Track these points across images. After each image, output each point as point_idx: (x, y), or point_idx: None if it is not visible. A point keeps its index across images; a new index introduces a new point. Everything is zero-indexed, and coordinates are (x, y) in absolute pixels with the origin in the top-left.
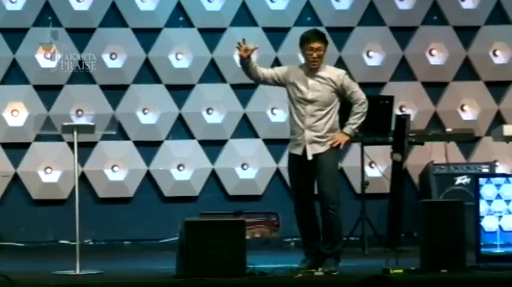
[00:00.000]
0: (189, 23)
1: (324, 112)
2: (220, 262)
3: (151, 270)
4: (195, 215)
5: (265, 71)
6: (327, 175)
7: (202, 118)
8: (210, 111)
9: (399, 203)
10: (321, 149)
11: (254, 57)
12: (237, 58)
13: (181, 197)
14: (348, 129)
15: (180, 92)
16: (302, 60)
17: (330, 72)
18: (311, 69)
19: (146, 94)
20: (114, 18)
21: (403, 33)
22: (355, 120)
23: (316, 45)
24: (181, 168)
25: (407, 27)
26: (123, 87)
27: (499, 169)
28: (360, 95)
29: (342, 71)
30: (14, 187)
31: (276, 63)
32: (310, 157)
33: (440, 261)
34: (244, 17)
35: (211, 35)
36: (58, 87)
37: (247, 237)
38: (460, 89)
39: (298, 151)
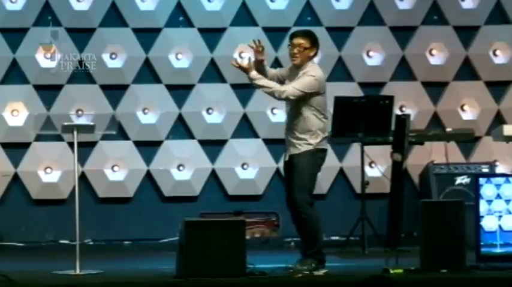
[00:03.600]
0: (189, 23)
1: (295, 113)
2: (220, 262)
3: (151, 270)
4: (195, 215)
5: (272, 70)
6: (297, 177)
7: (202, 118)
8: (210, 111)
9: (399, 203)
10: (294, 151)
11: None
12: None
13: (181, 197)
14: (255, 74)
15: (180, 92)
16: None
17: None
18: (294, 66)
19: (146, 94)
20: (114, 18)
21: (403, 33)
22: (265, 81)
23: (296, 41)
24: (181, 168)
25: (407, 27)
26: (123, 87)
27: (499, 169)
28: (289, 87)
29: (315, 72)
30: (14, 186)
31: (276, 63)
32: (286, 158)
33: (440, 261)
34: (244, 17)
35: (211, 35)
36: (58, 87)
37: (247, 237)
38: (460, 89)
39: (284, 150)
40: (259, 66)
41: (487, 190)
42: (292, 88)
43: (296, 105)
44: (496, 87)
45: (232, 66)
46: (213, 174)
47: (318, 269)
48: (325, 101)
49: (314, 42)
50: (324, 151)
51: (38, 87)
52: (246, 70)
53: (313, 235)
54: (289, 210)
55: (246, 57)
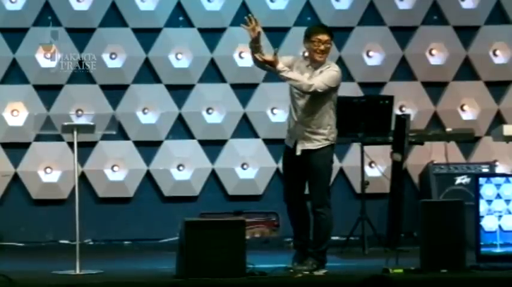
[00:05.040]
0: (189, 23)
1: (316, 107)
2: (220, 262)
3: (151, 270)
4: (195, 215)
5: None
6: (315, 176)
7: (202, 118)
8: (210, 111)
9: (399, 203)
10: (310, 146)
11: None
12: (248, 56)
13: (181, 197)
14: (282, 66)
15: (180, 92)
16: None
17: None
18: (314, 62)
19: (146, 94)
20: (114, 18)
21: (403, 33)
22: (292, 73)
23: (324, 37)
24: (181, 168)
25: (407, 27)
26: (123, 87)
27: (499, 169)
28: (316, 81)
29: (336, 67)
30: (14, 186)
31: None
32: (298, 153)
33: (440, 261)
34: (244, 17)
35: (211, 35)
36: (58, 87)
37: (247, 237)
38: (460, 89)
39: (290, 144)
40: (256, 45)
41: (487, 190)
42: (319, 82)
43: (318, 99)
44: (496, 87)
45: (258, 61)
46: (213, 174)
47: (318, 269)
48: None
49: (333, 38)
50: (334, 146)
51: (38, 87)
52: (272, 63)
53: (323, 236)
54: (288, 204)
55: (247, 57)
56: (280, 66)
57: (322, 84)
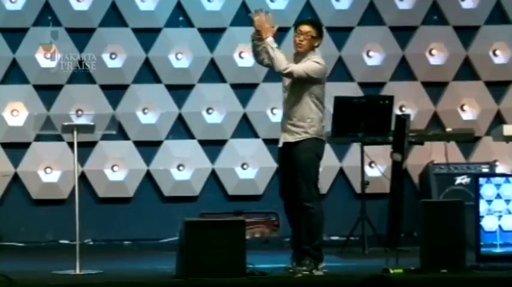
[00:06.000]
0: (189, 23)
1: (295, 99)
2: (220, 262)
3: (151, 270)
4: (195, 215)
5: None
6: (299, 170)
7: (202, 118)
8: (210, 111)
9: (399, 203)
10: (290, 138)
11: None
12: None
13: (181, 197)
14: (271, 40)
15: (180, 92)
16: None
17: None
18: (297, 54)
19: (146, 94)
20: (114, 18)
21: (403, 33)
22: (276, 51)
23: (303, 28)
24: (181, 168)
25: (407, 27)
26: (123, 87)
27: (499, 169)
28: (293, 65)
29: (319, 59)
30: (14, 186)
31: None
32: (280, 144)
33: (440, 261)
34: (244, 17)
35: (211, 35)
36: (58, 87)
37: (247, 237)
38: (460, 89)
39: (279, 138)
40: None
41: (487, 190)
42: (298, 68)
43: (297, 91)
44: (496, 87)
45: (256, 22)
46: (213, 174)
47: (317, 267)
48: (324, 93)
49: (320, 32)
50: (322, 141)
51: (38, 87)
52: (261, 33)
53: (316, 231)
54: (283, 200)
55: (247, 57)
56: (270, 39)
57: (301, 70)
